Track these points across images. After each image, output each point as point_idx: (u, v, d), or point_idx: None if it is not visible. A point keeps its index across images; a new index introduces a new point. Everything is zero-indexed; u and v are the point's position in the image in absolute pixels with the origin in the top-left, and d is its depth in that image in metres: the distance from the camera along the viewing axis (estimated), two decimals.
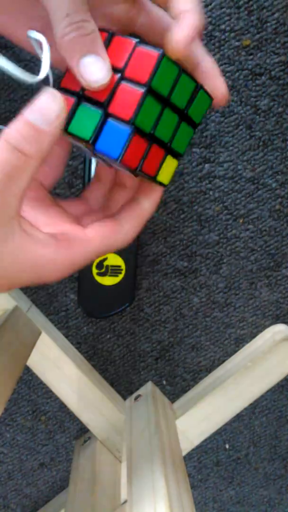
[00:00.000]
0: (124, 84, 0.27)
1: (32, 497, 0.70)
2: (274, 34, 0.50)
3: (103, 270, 0.54)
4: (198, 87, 0.29)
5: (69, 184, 0.55)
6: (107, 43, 0.28)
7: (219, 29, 0.50)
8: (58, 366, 0.57)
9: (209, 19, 0.50)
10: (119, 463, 0.60)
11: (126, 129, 0.26)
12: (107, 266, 0.54)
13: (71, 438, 0.67)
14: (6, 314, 0.52)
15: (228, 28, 0.50)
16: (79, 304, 0.57)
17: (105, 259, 0.53)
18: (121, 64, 0.27)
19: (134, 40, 0.27)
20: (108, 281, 0.54)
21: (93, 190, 0.33)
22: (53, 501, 0.70)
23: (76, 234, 0.28)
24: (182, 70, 0.28)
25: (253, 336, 0.62)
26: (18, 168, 0.24)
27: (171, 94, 0.28)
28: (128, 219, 0.29)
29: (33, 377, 0.63)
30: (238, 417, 0.66)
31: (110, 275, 0.54)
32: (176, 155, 0.30)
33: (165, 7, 0.29)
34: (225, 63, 0.51)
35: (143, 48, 0.27)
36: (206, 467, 0.70)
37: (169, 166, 0.30)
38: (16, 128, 0.24)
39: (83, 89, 0.28)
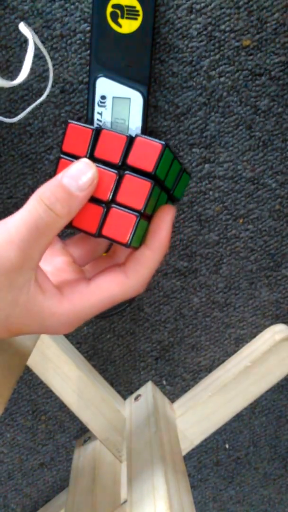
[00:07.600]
0: (128, 176, 0.27)
1: (32, 497, 0.70)
2: (274, 35, 0.50)
3: None
4: (182, 169, 0.30)
5: None
6: (95, 139, 0.28)
7: (219, 29, 0.50)
8: (58, 366, 0.57)
9: (209, 19, 0.50)
10: (119, 463, 0.60)
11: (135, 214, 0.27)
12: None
13: (71, 438, 0.67)
14: None
15: (228, 29, 0.50)
16: None
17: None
18: (116, 158, 0.28)
19: (126, 134, 0.28)
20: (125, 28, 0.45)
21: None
22: (53, 501, 0.70)
23: (81, 290, 0.28)
24: (175, 157, 0.28)
25: (253, 336, 0.62)
26: (48, 225, 0.25)
27: (166, 177, 0.28)
28: (135, 270, 0.28)
29: (33, 377, 0.63)
30: (238, 417, 0.66)
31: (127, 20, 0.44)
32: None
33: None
34: (225, 63, 0.51)
35: (145, 139, 0.27)
36: (206, 467, 0.70)
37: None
38: (51, 189, 0.26)
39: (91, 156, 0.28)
